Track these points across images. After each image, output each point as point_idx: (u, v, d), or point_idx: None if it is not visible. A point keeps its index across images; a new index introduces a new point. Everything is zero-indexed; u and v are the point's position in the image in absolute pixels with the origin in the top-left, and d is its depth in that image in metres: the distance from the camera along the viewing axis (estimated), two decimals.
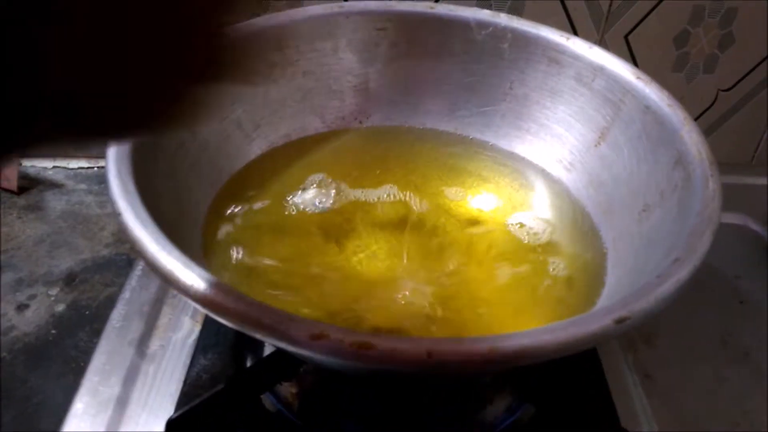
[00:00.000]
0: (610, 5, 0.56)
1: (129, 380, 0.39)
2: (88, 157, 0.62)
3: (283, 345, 0.24)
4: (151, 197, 0.29)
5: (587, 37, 0.45)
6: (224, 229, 0.37)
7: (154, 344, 0.42)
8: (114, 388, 0.39)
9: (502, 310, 0.35)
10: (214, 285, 0.24)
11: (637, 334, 0.45)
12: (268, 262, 0.36)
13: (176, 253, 0.26)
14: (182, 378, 0.39)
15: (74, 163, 0.62)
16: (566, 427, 0.36)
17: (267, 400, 0.37)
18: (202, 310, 0.25)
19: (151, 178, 0.32)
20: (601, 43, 0.58)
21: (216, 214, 0.38)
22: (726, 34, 0.59)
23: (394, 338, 0.23)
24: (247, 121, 0.42)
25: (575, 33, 0.57)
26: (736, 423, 0.40)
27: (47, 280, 0.51)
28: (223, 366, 0.38)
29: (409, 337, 0.23)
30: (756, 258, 0.52)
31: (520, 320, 0.35)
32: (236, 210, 0.39)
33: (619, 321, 0.24)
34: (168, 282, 0.25)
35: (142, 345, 0.42)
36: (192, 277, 0.25)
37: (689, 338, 0.45)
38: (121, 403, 0.38)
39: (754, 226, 0.54)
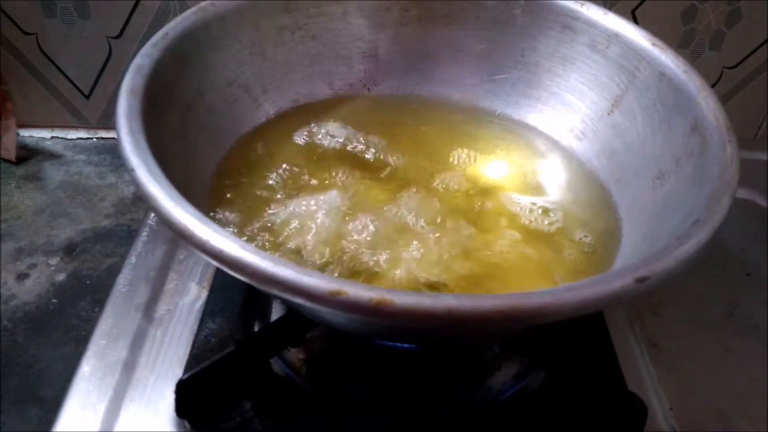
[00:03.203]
0: None
1: (136, 344, 0.39)
2: (87, 127, 0.62)
3: (301, 301, 0.23)
4: (162, 155, 0.29)
5: None
6: (230, 189, 0.37)
7: (161, 309, 0.41)
8: (121, 352, 0.38)
9: (514, 278, 0.35)
10: (231, 240, 0.24)
11: (643, 304, 0.45)
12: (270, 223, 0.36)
13: (191, 208, 0.25)
14: (190, 342, 0.38)
15: (73, 134, 0.61)
16: (575, 392, 0.36)
17: (275, 365, 0.37)
18: (219, 266, 0.24)
19: (160, 137, 0.31)
20: None
21: (222, 175, 0.37)
22: (733, 10, 0.59)
23: (414, 294, 0.23)
24: (255, 85, 0.41)
25: None
26: (742, 392, 0.40)
27: (47, 249, 0.50)
28: (231, 330, 0.38)
29: (429, 293, 0.23)
30: (762, 231, 0.52)
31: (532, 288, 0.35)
32: (241, 172, 0.38)
33: (640, 280, 0.24)
34: (183, 237, 0.25)
35: (149, 309, 0.41)
36: (208, 232, 0.24)
37: (696, 309, 0.45)
38: (129, 367, 0.38)
39: (761, 201, 0.55)
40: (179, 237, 0.25)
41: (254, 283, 0.24)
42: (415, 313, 0.22)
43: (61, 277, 0.48)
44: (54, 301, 0.46)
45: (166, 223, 0.25)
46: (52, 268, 0.49)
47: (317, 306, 0.23)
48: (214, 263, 0.24)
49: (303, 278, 0.23)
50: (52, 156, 0.59)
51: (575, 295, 0.24)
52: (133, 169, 0.27)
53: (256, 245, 0.34)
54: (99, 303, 0.43)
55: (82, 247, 0.51)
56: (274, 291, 0.24)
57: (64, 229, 0.52)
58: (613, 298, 0.24)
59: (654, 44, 0.37)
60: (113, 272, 0.45)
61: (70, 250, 0.51)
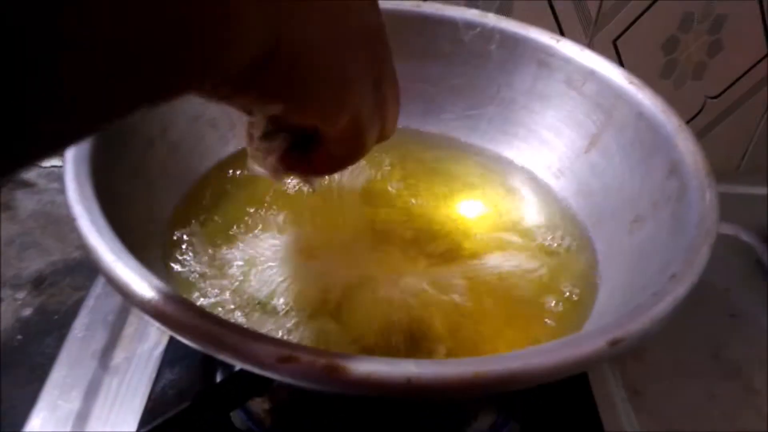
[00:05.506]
0: (600, 8, 0.55)
1: (90, 394, 0.37)
2: (61, 155, 0.60)
3: (248, 367, 0.22)
4: (113, 200, 0.27)
5: (575, 41, 0.43)
6: (190, 231, 0.35)
7: (118, 356, 0.40)
8: (74, 403, 0.37)
9: (484, 324, 0.33)
10: (173, 300, 0.22)
11: None
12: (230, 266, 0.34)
13: (133, 263, 0.24)
14: (147, 393, 0.36)
15: (46, 162, 0.60)
16: None
17: (237, 417, 0.35)
18: (160, 328, 0.23)
19: (115, 179, 0.30)
20: (589, 47, 0.57)
21: (183, 214, 0.36)
22: (715, 40, 0.58)
23: (371, 360, 0.21)
24: (222, 121, 0.40)
25: (563, 36, 0.56)
26: None
27: (15, 282, 0.48)
28: (190, 381, 0.36)
29: (387, 360, 0.21)
30: (747, 269, 0.51)
31: (504, 337, 0.33)
32: (204, 210, 0.37)
33: (614, 343, 0.23)
34: (123, 295, 0.23)
35: (105, 356, 0.39)
36: (148, 290, 0.23)
37: (679, 353, 0.44)
38: (81, 419, 0.36)
39: (745, 237, 0.53)
40: (119, 294, 0.23)
41: (200, 348, 0.22)
42: (371, 382, 0.21)
43: (27, 311, 0.46)
44: (19, 337, 0.45)
45: (106, 278, 0.23)
46: (19, 302, 0.47)
47: (266, 374, 0.22)
48: (156, 325, 0.22)
49: (248, 343, 0.21)
50: (25, 184, 0.58)
51: (544, 360, 0.22)
52: (74, 219, 0.25)
53: (211, 292, 0.32)
54: (65, 340, 0.41)
55: (51, 279, 0.49)
56: (221, 357, 0.22)
57: (34, 261, 0.50)
58: (585, 362, 0.23)
59: (631, 82, 0.36)
60: (81, 307, 0.43)
61: (38, 283, 0.49)
